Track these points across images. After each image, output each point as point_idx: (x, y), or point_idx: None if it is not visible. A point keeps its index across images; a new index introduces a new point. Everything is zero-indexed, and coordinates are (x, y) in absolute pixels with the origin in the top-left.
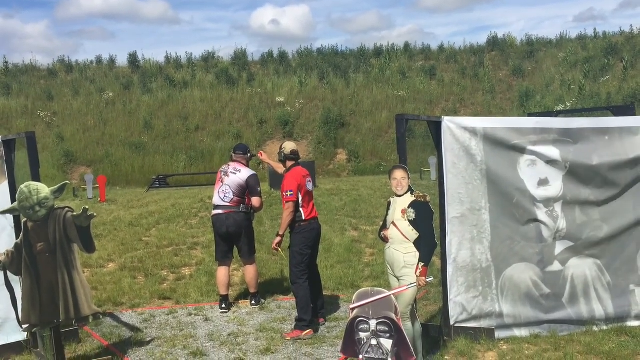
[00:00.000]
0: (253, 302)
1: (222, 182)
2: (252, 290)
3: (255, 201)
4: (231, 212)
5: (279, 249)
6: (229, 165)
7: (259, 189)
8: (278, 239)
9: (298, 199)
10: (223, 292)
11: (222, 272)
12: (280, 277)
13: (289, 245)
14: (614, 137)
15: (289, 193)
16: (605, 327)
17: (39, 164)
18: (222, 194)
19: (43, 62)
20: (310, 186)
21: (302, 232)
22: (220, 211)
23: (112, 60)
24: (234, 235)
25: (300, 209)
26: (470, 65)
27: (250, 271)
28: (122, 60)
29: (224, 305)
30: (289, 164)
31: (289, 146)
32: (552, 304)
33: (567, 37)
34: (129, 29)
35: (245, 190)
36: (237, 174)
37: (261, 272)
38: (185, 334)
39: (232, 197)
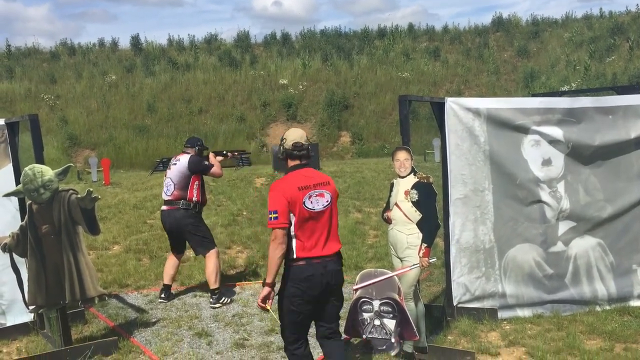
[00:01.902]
0: (211, 299)
1: (165, 176)
2: (211, 287)
3: (213, 172)
4: (171, 208)
5: (266, 306)
6: (174, 157)
7: (205, 162)
8: (265, 290)
9: (289, 225)
10: (166, 281)
11: (169, 262)
12: None
13: (277, 292)
14: (618, 117)
15: (272, 215)
16: (608, 307)
17: (43, 146)
18: (165, 187)
19: (45, 45)
20: (313, 204)
21: (292, 279)
22: (164, 207)
23: (114, 43)
24: (176, 233)
25: (291, 240)
26: (475, 46)
27: (207, 265)
28: (124, 42)
29: (162, 295)
30: (292, 163)
31: (291, 136)
32: (555, 284)
33: (573, 16)
34: (131, 11)
35: (189, 180)
36: (177, 163)
37: (265, 254)
38: (190, 315)
39: (173, 190)
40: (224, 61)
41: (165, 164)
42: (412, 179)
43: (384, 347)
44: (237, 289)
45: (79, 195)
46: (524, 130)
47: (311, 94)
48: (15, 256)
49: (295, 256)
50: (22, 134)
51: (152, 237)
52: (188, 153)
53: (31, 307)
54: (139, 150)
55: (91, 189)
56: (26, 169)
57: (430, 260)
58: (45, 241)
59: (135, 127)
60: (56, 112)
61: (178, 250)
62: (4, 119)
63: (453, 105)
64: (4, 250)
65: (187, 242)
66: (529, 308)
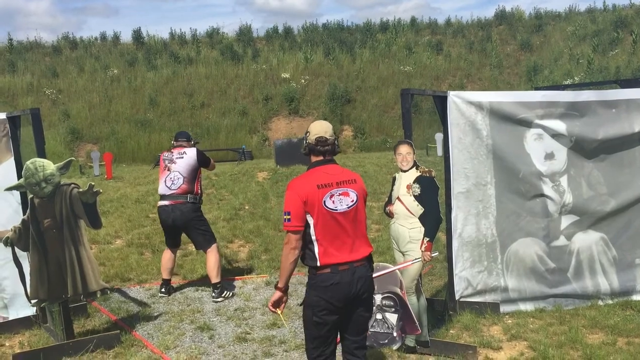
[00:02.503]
0: (214, 294)
1: (168, 170)
2: (213, 281)
3: (213, 164)
4: (178, 202)
5: (277, 311)
6: (171, 152)
7: (205, 156)
8: (276, 295)
9: (306, 228)
10: (165, 275)
11: (166, 256)
12: None
13: (301, 302)
14: (621, 110)
15: (285, 217)
16: (610, 301)
17: (44, 140)
18: (170, 181)
19: (47, 39)
20: (336, 203)
21: (315, 288)
22: (166, 202)
23: (116, 37)
24: (181, 228)
25: (313, 245)
26: (478, 39)
27: (210, 259)
28: (126, 36)
29: (163, 290)
30: (314, 159)
31: (315, 129)
32: (557, 278)
33: (576, 10)
34: (132, 5)
35: (196, 174)
36: (184, 156)
37: (267, 248)
38: (193, 309)
39: (181, 183)
40: (226, 55)
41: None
42: (414, 173)
43: (386, 341)
44: (239, 283)
45: (80, 189)
46: (527, 124)
47: (313, 87)
48: (17, 250)
49: (319, 264)
50: (24, 128)
51: (154, 231)
52: (184, 147)
53: (33, 301)
54: (141, 145)
55: (93, 183)
56: (28, 162)
57: (433, 255)
58: (47, 235)
59: (137, 121)
60: (58, 106)
61: (174, 245)
62: (5, 113)
63: (455, 98)
64: (6, 244)
65: (181, 236)
66: (531, 302)
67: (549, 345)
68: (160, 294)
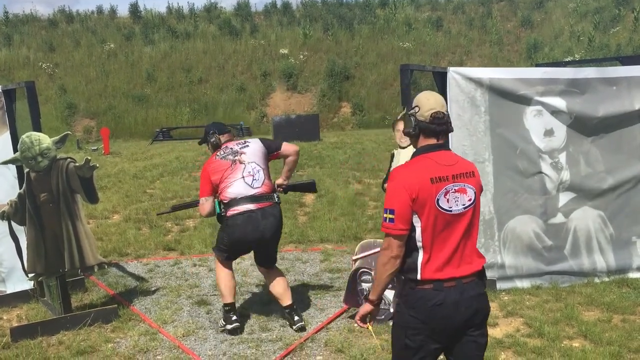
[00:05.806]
0: (296, 318)
1: (240, 162)
2: (286, 302)
3: (289, 150)
4: (267, 205)
5: (366, 326)
6: (226, 146)
7: (271, 140)
8: (366, 307)
9: (412, 232)
10: (229, 299)
11: (229, 274)
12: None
13: (390, 317)
14: (622, 88)
15: (387, 216)
16: (606, 279)
17: (40, 114)
18: (250, 177)
19: (43, 12)
20: (450, 203)
21: (411, 306)
22: (251, 206)
23: (112, 11)
24: (270, 240)
25: (416, 252)
26: (478, 16)
27: (280, 280)
28: (123, 10)
29: (234, 317)
30: (424, 142)
31: (428, 103)
32: (554, 255)
33: None
34: None
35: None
36: (250, 144)
37: None
38: (190, 284)
39: (264, 178)
40: (223, 30)
41: (164, 134)
42: (412, 150)
43: (383, 316)
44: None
45: (77, 164)
46: (527, 100)
47: (312, 64)
48: (14, 224)
49: (419, 277)
50: (20, 102)
51: (151, 207)
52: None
53: (30, 275)
54: (139, 120)
55: (89, 157)
56: (23, 136)
57: None
58: (44, 209)
59: (134, 97)
60: (55, 81)
61: (236, 257)
62: (0, 86)
63: (455, 75)
64: (2, 218)
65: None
66: (527, 279)
67: (545, 322)
68: (229, 327)
